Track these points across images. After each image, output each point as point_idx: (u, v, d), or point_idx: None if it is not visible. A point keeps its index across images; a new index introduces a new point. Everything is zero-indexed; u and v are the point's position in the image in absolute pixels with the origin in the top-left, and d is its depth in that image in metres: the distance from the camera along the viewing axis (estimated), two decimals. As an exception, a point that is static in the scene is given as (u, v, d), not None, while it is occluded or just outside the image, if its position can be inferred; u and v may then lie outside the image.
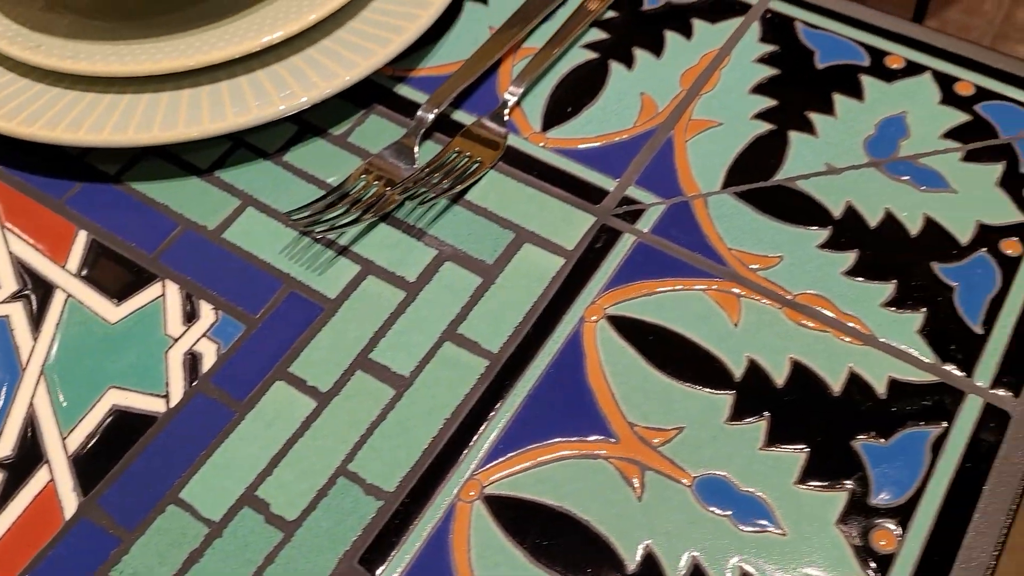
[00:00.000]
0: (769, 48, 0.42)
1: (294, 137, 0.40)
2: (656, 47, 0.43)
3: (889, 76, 0.41)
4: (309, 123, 0.41)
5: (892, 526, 0.30)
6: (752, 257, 0.36)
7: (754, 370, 0.33)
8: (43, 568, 0.30)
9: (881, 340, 0.33)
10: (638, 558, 0.30)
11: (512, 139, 0.40)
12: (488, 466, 0.32)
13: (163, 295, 0.36)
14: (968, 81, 0.40)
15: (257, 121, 0.38)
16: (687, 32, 0.43)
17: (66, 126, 0.38)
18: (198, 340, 0.34)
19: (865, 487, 0.31)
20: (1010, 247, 0.35)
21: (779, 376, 0.33)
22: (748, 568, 0.29)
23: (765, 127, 0.39)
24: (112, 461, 0.32)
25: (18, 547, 0.31)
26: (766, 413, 0.32)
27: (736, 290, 0.35)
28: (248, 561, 0.30)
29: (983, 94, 0.40)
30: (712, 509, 0.30)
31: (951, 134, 0.39)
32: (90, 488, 0.32)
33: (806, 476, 0.31)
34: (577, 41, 0.43)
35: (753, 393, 0.33)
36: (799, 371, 0.33)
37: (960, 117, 0.39)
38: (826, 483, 0.31)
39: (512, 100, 0.41)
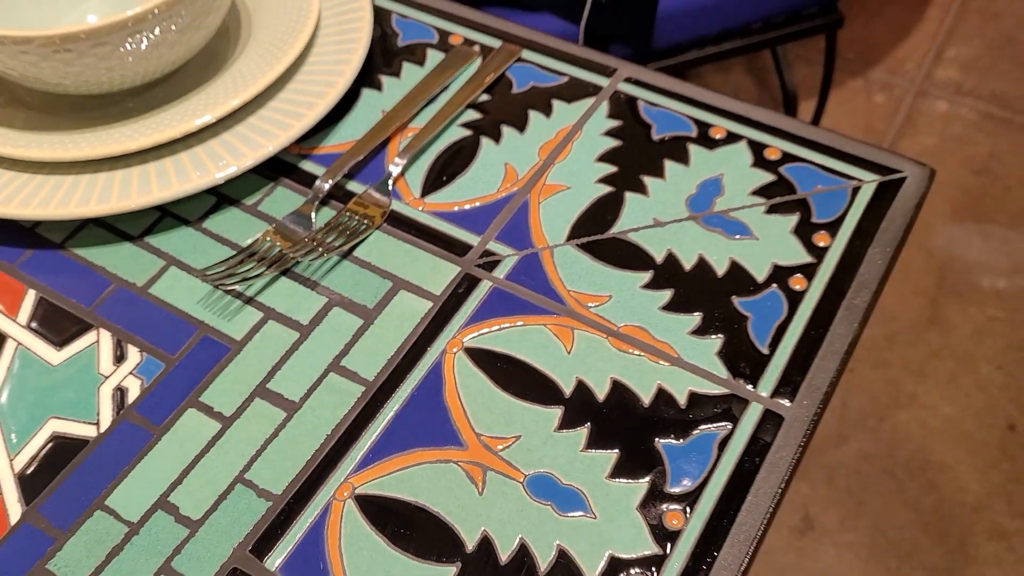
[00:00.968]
0: (615, 123, 0.50)
1: (213, 207, 0.48)
2: (520, 124, 0.51)
3: (712, 144, 0.49)
4: (225, 195, 0.48)
5: (682, 509, 0.37)
6: (587, 297, 0.43)
7: (581, 388, 0.40)
8: (-9, 565, 0.37)
9: (686, 361, 0.41)
10: (476, 541, 0.37)
11: (395, 204, 0.48)
12: (359, 472, 0.39)
13: (97, 341, 0.43)
14: (776, 147, 0.49)
15: (177, 195, 0.45)
16: (547, 111, 0.51)
17: (18, 203, 0.45)
18: (125, 377, 0.42)
19: (663, 478, 0.38)
20: (797, 283, 0.43)
21: (601, 393, 0.40)
22: (565, 546, 0.36)
23: (606, 189, 0.47)
24: (51, 476, 0.39)
25: (-29, 549, 0.37)
26: (588, 423, 0.39)
27: (571, 324, 0.42)
28: (159, 553, 0.37)
29: (788, 158, 0.48)
30: (539, 500, 0.37)
31: (758, 191, 0.47)
32: (32, 499, 0.38)
33: (616, 472, 0.38)
34: (455, 120, 0.51)
35: (579, 407, 0.40)
36: (617, 388, 0.40)
37: (767, 177, 0.47)
38: (631, 476, 0.38)
39: (396, 171, 0.48)
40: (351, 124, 0.51)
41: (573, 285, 0.44)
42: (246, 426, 0.40)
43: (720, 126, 0.50)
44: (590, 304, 0.43)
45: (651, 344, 0.42)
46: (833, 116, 1.61)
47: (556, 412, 0.40)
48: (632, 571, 0.35)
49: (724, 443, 0.39)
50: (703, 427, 0.39)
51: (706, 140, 0.49)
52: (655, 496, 0.37)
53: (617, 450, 0.39)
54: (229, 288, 0.44)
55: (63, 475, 0.39)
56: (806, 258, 0.44)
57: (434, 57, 0.54)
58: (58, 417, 0.41)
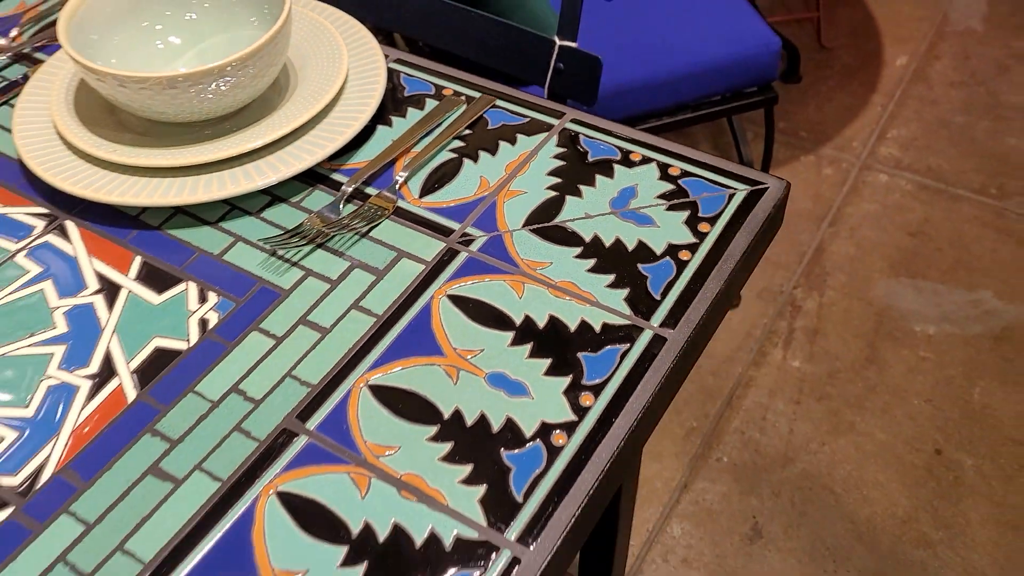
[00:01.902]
0: (561, 150, 0.69)
1: (267, 203, 0.66)
2: (493, 150, 0.69)
3: (631, 164, 0.67)
4: (277, 195, 0.67)
5: (592, 392, 0.54)
6: (536, 263, 0.61)
7: (527, 320, 0.58)
8: None
9: (602, 304, 0.58)
10: (451, 412, 0.53)
11: (400, 202, 0.66)
12: (372, 370, 0.55)
13: (186, 289, 0.60)
14: (677, 166, 0.67)
15: (243, 192, 0.63)
16: (513, 141, 0.70)
17: (130, 196, 0.63)
18: (207, 311, 0.59)
19: (581, 375, 0.55)
20: (684, 255, 0.61)
21: (542, 324, 0.57)
22: (512, 416, 0.53)
23: (552, 194, 0.66)
24: (157, 372, 0.56)
25: None
26: (532, 342, 0.56)
27: (523, 280, 0.60)
28: (233, 419, 0.53)
29: (685, 174, 0.66)
30: (494, 388, 0.54)
31: (662, 196, 0.65)
32: (144, 385, 0.55)
33: (549, 371, 0.55)
34: (445, 147, 0.70)
35: (526, 332, 0.57)
36: (552, 321, 0.58)
37: (669, 187, 0.66)
38: (560, 374, 0.55)
39: (401, 179, 0.67)
40: (368, 148, 0.70)
41: (526, 256, 0.61)
42: (293, 342, 0.57)
43: (638, 151, 0.68)
44: (537, 268, 0.61)
45: (579, 292, 0.59)
46: (787, 186, 1.81)
47: (510, 335, 0.57)
48: (555, 432, 0.52)
49: (624, 355, 0.56)
50: (610, 345, 0.56)
51: (627, 161, 0.68)
52: (575, 387, 0.54)
53: (551, 359, 0.56)
54: (281, 254, 0.62)
55: (166, 371, 0.56)
56: (692, 239, 0.62)
57: (430, 103, 0.73)
58: (160, 336, 0.58)
